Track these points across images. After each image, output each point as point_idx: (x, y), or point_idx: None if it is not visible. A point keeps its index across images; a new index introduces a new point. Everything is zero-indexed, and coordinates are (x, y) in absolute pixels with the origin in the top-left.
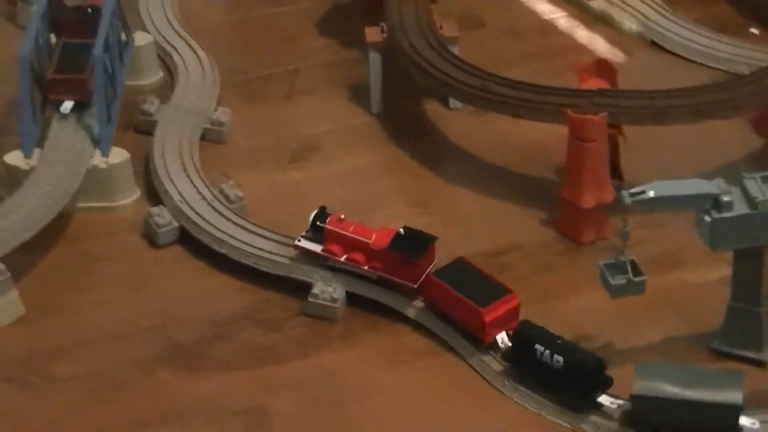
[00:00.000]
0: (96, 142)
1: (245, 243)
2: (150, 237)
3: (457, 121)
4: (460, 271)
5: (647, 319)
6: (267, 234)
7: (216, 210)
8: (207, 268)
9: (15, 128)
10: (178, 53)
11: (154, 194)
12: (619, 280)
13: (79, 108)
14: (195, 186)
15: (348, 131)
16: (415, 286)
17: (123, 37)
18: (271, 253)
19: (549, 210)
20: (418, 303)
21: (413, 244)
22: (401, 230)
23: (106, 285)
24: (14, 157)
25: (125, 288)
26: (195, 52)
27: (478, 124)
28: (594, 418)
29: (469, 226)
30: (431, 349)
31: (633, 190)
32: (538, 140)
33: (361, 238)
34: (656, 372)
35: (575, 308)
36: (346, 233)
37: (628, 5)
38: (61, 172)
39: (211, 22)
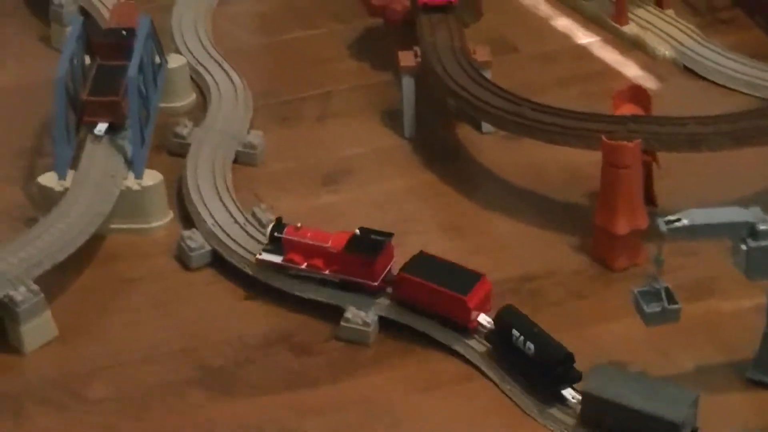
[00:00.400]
0: (129, 164)
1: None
2: (182, 259)
3: (490, 146)
4: (427, 264)
5: (681, 346)
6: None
7: (248, 233)
8: (239, 290)
9: (49, 149)
10: (211, 75)
11: (186, 216)
12: (653, 308)
13: (113, 130)
14: (227, 209)
15: (381, 154)
16: (375, 284)
17: (156, 59)
18: (303, 276)
19: (582, 236)
20: (451, 328)
21: (369, 244)
22: (357, 231)
23: (139, 307)
24: (48, 179)
25: (157, 310)
26: (228, 75)
27: (511, 148)
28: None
29: (501, 251)
30: (464, 374)
31: (668, 218)
32: (571, 165)
33: (319, 244)
34: (611, 375)
35: (609, 335)
36: (304, 240)
37: (662, 31)
38: (95, 194)
39: (243, 45)
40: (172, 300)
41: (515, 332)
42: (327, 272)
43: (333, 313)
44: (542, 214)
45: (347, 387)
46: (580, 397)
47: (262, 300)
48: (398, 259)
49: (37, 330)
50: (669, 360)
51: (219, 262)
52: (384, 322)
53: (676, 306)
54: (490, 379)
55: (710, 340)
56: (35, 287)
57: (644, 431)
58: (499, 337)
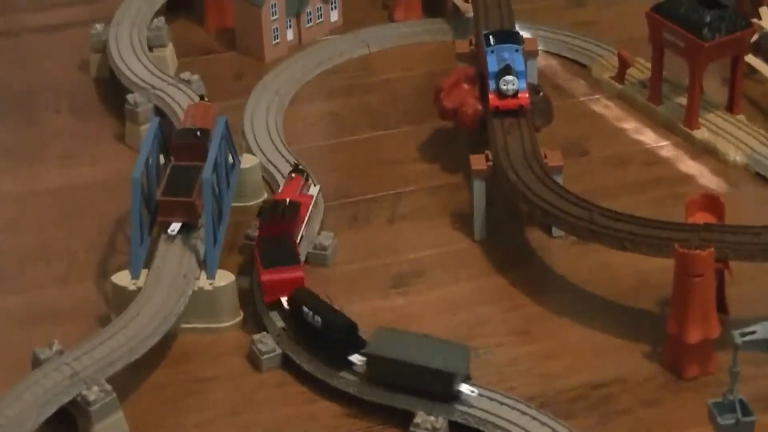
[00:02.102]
0: (202, 264)
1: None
2: (253, 361)
3: (560, 250)
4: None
5: None
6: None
7: None
8: (309, 393)
9: (121, 247)
10: (282, 175)
11: (257, 315)
12: (727, 420)
13: (186, 229)
14: None
15: (451, 257)
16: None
17: (230, 158)
18: (371, 381)
19: (653, 343)
20: None
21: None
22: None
23: (210, 407)
24: (122, 278)
25: (228, 411)
26: None
27: (581, 253)
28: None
29: (571, 356)
30: None
31: (743, 330)
32: (642, 271)
33: None
34: (393, 337)
35: None
36: None
37: (733, 136)
38: (168, 294)
39: (314, 145)
40: (244, 401)
41: (305, 309)
42: None
43: (403, 418)
44: (613, 320)
45: None
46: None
47: (333, 403)
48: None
49: (110, 429)
50: None
51: (290, 363)
52: (456, 427)
53: (750, 418)
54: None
55: None
56: (108, 387)
57: (423, 384)
58: (292, 315)
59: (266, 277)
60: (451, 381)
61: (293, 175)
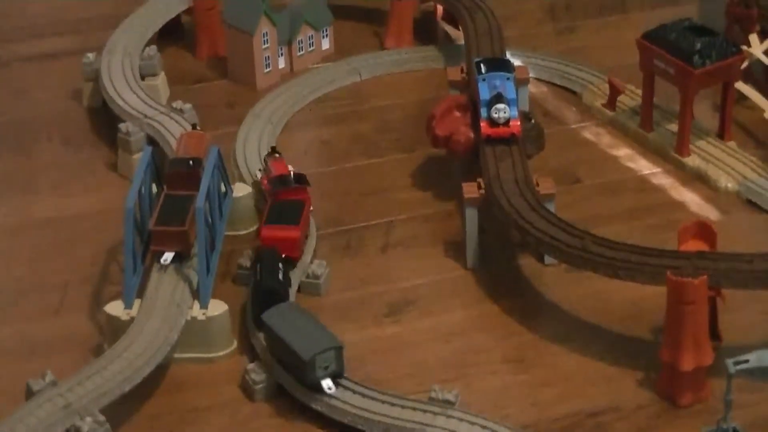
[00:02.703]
0: (195, 293)
1: (340, 400)
2: (247, 390)
3: (553, 277)
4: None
5: None
6: (362, 391)
7: None
8: (304, 424)
9: (114, 277)
10: None
11: (251, 344)
12: None
13: (179, 259)
14: None
15: (444, 285)
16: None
17: (222, 187)
18: (366, 410)
19: (647, 371)
20: None
21: None
22: None
23: None
24: (115, 308)
25: None
26: None
27: (574, 280)
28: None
29: (565, 384)
30: None
31: (737, 359)
32: (634, 298)
33: None
34: (289, 312)
35: None
36: None
37: (724, 163)
38: (161, 324)
39: (306, 173)
40: (237, 430)
41: (258, 265)
42: None
43: None
44: (606, 348)
45: None
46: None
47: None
48: (466, 398)
49: None
50: None
51: (284, 393)
52: None
53: None
54: None
55: None
56: (101, 417)
57: (292, 365)
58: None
59: (265, 233)
60: (307, 368)
61: (277, 155)
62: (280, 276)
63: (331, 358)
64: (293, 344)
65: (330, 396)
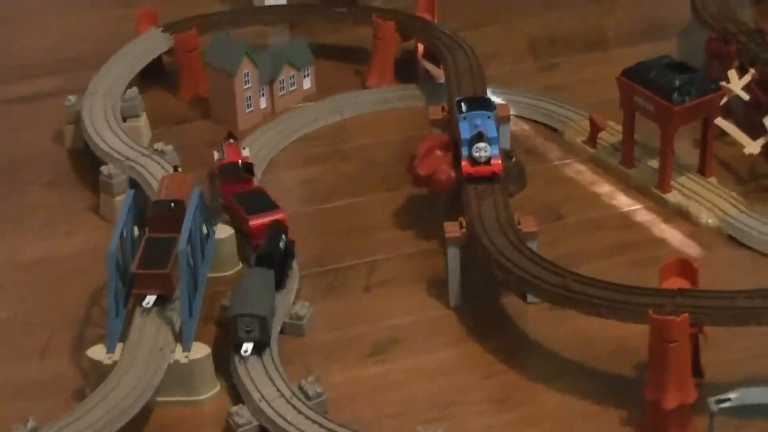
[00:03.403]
0: (178, 336)
1: None
2: None
3: (536, 316)
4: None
5: None
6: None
7: (294, 407)
8: None
9: (97, 320)
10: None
11: (235, 387)
12: None
13: (162, 302)
14: (274, 383)
15: (427, 324)
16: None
17: (204, 229)
18: None
19: (630, 408)
20: None
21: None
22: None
23: None
24: (97, 352)
25: None
26: None
27: (557, 318)
28: None
29: (550, 423)
30: None
31: (719, 397)
32: (618, 336)
33: None
34: (261, 273)
35: None
36: None
37: (705, 199)
38: (143, 368)
39: (290, 212)
40: None
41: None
42: None
43: None
44: (591, 386)
45: None
46: None
47: None
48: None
49: None
50: None
51: None
52: None
53: None
54: None
55: None
56: None
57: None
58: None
59: (253, 222)
60: (230, 327)
61: (231, 141)
62: (281, 245)
63: (255, 325)
64: (233, 301)
65: None
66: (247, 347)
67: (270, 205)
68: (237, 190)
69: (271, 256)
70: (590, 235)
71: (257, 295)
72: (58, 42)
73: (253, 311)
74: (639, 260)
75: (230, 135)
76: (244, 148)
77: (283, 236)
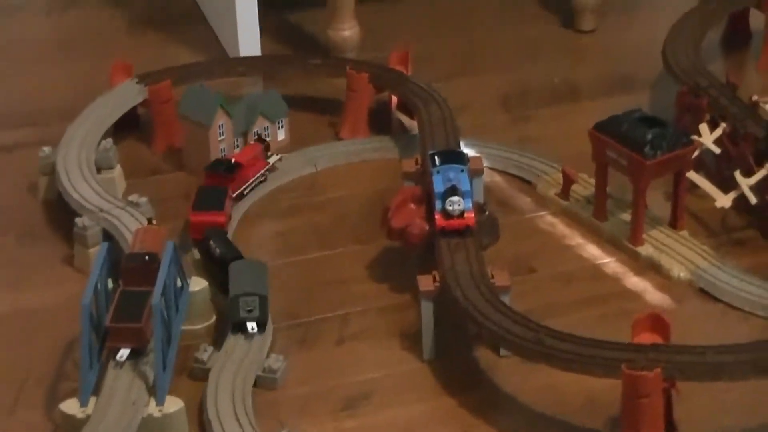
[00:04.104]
0: (151, 390)
1: None
2: None
3: (509, 370)
4: None
5: None
6: None
7: None
8: None
9: (70, 373)
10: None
11: None
12: None
13: (135, 355)
14: None
15: (400, 378)
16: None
17: (178, 282)
18: None
19: None
20: None
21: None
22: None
23: None
24: (70, 406)
25: None
26: None
27: (530, 372)
28: None
29: None
30: None
31: None
32: (590, 389)
33: None
34: (246, 264)
35: None
36: None
37: (677, 252)
38: (116, 422)
39: None
40: None
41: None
42: None
43: None
44: None
45: None
46: None
47: None
48: None
49: None
50: None
51: None
52: None
53: None
54: None
55: None
56: None
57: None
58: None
59: (194, 218)
60: (231, 306)
61: (259, 139)
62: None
63: (255, 304)
64: (230, 286)
65: None
66: (253, 325)
67: (218, 206)
68: (209, 183)
69: (225, 259)
70: (562, 287)
71: (253, 279)
72: (32, 94)
73: (254, 290)
74: (611, 313)
75: (260, 137)
76: (271, 155)
77: (212, 242)
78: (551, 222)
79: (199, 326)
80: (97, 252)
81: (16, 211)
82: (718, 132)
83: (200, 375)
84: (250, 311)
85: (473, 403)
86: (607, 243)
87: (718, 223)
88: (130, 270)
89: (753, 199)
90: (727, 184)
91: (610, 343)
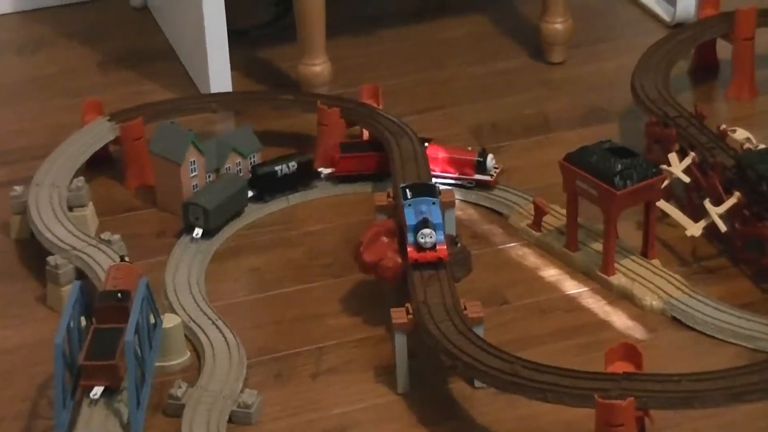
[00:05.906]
0: (126, 428)
1: None
2: None
3: (484, 401)
4: None
5: None
6: None
7: None
8: None
9: (44, 412)
10: (205, 334)
11: None
12: None
13: (109, 393)
14: None
15: (375, 411)
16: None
17: (152, 319)
18: None
19: None
20: None
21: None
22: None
23: None
24: None
25: None
26: (221, 332)
27: (505, 403)
28: None
29: None
30: None
31: None
32: (566, 420)
33: None
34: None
35: None
36: None
37: (649, 282)
38: None
39: (236, 301)
40: None
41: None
42: None
43: None
44: None
45: None
46: None
47: None
48: None
49: None
50: None
51: None
52: None
53: None
54: None
55: None
56: None
57: None
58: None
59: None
60: (182, 211)
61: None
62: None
63: (200, 214)
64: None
65: None
66: (198, 232)
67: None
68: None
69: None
70: (536, 319)
71: (213, 193)
72: (3, 133)
73: (199, 203)
74: (584, 344)
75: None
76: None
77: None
78: (523, 253)
79: (173, 362)
80: (69, 290)
81: None
82: (687, 161)
83: (175, 411)
84: (197, 219)
85: None
86: (579, 273)
87: (688, 251)
88: (103, 308)
89: (723, 227)
90: (697, 213)
91: (584, 372)
